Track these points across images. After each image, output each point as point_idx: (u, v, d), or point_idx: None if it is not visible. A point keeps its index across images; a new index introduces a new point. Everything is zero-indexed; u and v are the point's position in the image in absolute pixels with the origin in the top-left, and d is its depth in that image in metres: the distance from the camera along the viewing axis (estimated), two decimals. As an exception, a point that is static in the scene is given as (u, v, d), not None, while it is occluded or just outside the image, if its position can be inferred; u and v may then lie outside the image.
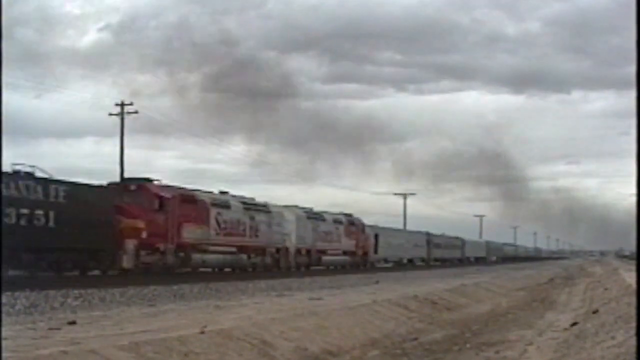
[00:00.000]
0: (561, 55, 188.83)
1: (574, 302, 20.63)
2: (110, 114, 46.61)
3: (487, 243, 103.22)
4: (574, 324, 13.13)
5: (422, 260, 67.82)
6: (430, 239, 71.48)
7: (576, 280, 35.75)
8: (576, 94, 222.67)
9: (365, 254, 50.56)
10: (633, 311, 10.27)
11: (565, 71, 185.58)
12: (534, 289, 29.74)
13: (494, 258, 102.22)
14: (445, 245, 77.80)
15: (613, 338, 8.96)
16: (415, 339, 12.54)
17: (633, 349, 6.79)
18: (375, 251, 53.79)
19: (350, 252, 48.18)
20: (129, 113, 46.50)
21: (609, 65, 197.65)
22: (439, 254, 74.09)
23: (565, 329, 12.67)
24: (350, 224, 49.17)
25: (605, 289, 22.12)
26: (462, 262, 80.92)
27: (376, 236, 54.43)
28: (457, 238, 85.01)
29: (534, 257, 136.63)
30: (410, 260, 64.49)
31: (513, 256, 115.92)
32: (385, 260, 58.18)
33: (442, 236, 79.03)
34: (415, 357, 10.59)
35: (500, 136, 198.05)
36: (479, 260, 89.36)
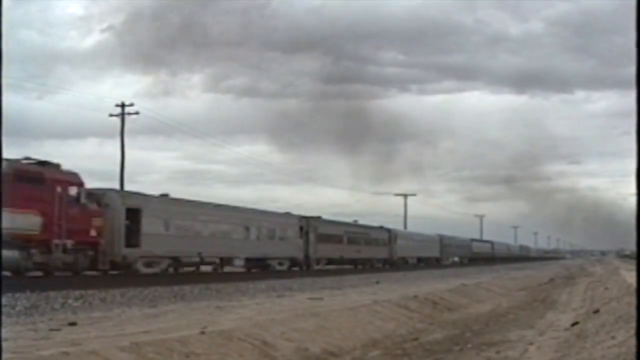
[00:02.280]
0: (564, 55, 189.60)
1: (575, 302, 20.62)
2: (111, 115, 46.71)
3: (442, 238, 74.70)
4: (575, 323, 13.12)
5: (294, 262, 41.15)
6: (311, 227, 43.55)
7: (577, 280, 35.74)
8: (579, 94, 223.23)
9: (94, 244, 25.22)
10: (634, 311, 10.27)
11: (569, 71, 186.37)
12: (535, 289, 29.74)
13: (455, 259, 78.94)
14: (351, 239, 49.78)
15: (614, 338, 8.95)
16: (416, 339, 12.53)
17: (634, 349, 6.79)
18: (134, 242, 27.95)
19: (21, 236, 21.80)
20: (129, 114, 46.59)
21: (612, 65, 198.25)
22: (336, 252, 46.91)
23: (566, 329, 12.66)
24: (22, 177, 22.43)
25: (606, 289, 22.13)
26: (393, 265, 55.16)
27: (133, 213, 28.23)
28: (380, 228, 58.03)
29: (519, 258, 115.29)
30: (262, 263, 37.80)
31: (488, 256, 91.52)
32: (177, 263, 30.84)
33: (341, 224, 50.69)
34: (416, 358, 10.58)
35: (501, 136, 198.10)
36: (428, 263, 65.47)
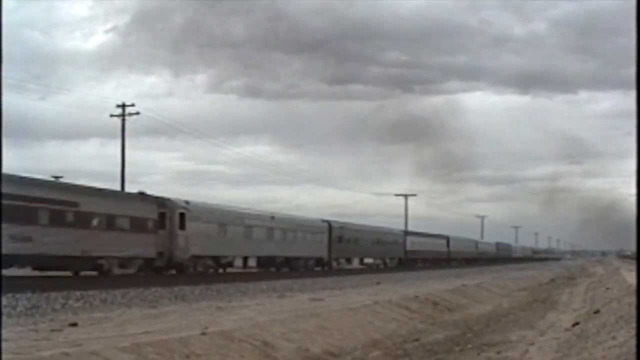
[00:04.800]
0: (568, 56, 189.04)
1: (575, 303, 20.61)
2: (112, 115, 46.64)
3: (333, 227, 46.96)
4: (576, 324, 13.11)
5: None
6: None
7: (577, 281, 35.73)
8: (583, 95, 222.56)
9: None
10: (634, 311, 10.27)
11: (572, 72, 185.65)
12: (535, 289, 29.72)
13: (368, 261, 53.89)
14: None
15: (614, 338, 8.94)
16: (417, 339, 12.54)
17: (634, 349, 6.79)
18: None
19: None
20: (130, 114, 46.51)
21: (615, 65, 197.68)
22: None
23: (567, 329, 12.66)
24: None
25: (607, 289, 22.11)
26: (182, 271, 30.33)
27: None
28: (141, 197, 30.81)
29: (495, 259, 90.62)
30: None
31: (436, 257, 67.11)
32: None
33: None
34: (416, 358, 10.59)
35: (504, 136, 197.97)
36: (306, 267, 41.66)
